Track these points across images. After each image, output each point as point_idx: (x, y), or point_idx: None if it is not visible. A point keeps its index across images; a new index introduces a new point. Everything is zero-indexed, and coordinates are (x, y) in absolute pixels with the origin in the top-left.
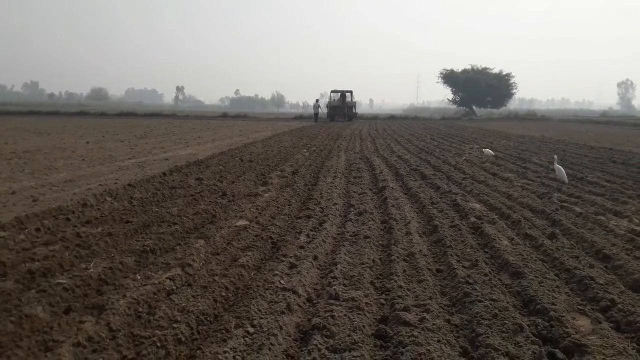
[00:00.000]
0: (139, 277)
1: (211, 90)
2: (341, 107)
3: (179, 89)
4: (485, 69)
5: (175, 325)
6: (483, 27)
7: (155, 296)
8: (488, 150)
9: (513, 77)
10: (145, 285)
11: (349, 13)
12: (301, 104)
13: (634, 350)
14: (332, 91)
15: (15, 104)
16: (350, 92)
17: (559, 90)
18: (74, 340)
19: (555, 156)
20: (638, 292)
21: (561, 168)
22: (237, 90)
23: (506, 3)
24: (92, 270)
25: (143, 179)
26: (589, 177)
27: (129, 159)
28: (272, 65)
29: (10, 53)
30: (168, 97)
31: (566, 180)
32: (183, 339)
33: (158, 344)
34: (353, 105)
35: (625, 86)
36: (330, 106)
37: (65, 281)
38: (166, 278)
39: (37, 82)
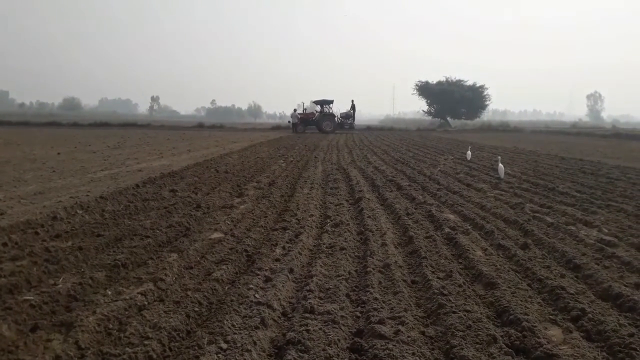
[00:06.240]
0: (109, 293)
1: (187, 100)
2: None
3: (154, 99)
4: (459, 81)
5: (146, 342)
6: (462, 36)
7: (126, 312)
8: (469, 152)
9: (487, 88)
10: (116, 301)
11: (327, 24)
12: (278, 114)
13: None
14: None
15: None
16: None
17: (532, 101)
18: (41, 359)
19: (499, 157)
20: (607, 302)
21: (502, 167)
22: (213, 100)
23: (485, 13)
24: (60, 286)
25: (115, 191)
26: (560, 188)
27: (102, 170)
28: (249, 76)
29: None
30: (143, 107)
31: (502, 176)
32: (154, 356)
33: None
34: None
35: (594, 98)
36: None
37: (32, 298)
38: (138, 293)
39: (7, 91)
